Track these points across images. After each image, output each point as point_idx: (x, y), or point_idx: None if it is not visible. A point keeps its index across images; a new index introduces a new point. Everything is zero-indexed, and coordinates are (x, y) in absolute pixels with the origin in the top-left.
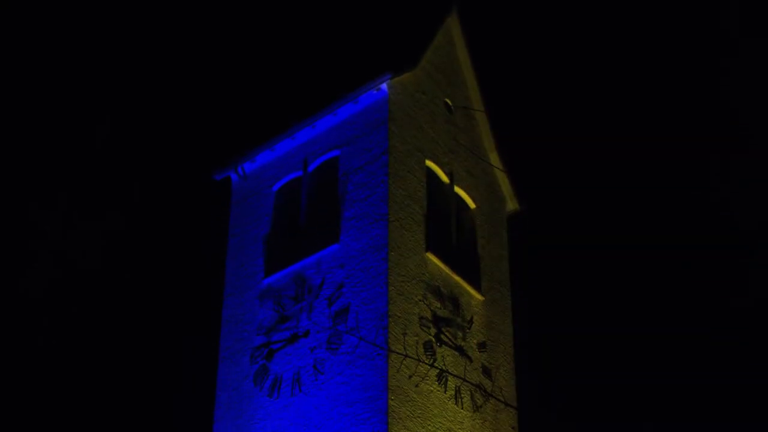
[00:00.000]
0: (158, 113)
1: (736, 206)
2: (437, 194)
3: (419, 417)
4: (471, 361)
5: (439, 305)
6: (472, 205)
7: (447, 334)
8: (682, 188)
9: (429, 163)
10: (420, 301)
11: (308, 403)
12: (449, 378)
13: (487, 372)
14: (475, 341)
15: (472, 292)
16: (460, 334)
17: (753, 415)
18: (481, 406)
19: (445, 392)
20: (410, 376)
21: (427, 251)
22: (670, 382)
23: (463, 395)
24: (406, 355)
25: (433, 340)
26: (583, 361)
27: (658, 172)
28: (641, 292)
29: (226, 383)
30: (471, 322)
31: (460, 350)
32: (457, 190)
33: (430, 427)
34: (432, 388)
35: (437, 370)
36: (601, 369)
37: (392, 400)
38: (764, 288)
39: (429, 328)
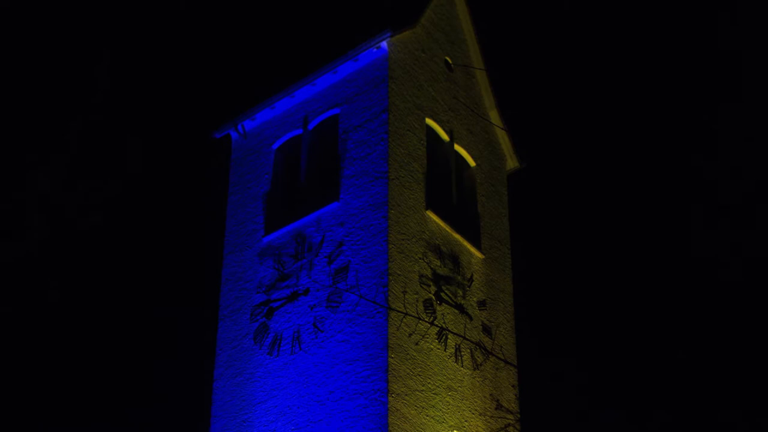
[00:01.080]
0: (158, 72)
1: (740, 157)
2: (437, 152)
3: (419, 375)
4: (471, 319)
5: (439, 263)
6: (472, 163)
7: (447, 292)
8: (683, 144)
9: (429, 121)
10: (420, 259)
11: (308, 361)
12: (449, 336)
13: (487, 330)
14: (475, 299)
15: (472, 250)
16: (460, 292)
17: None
18: (481, 364)
19: (445, 350)
20: (410, 334)
21: (427, 209)
22: (671, 339)
23: (463, 353)
24: (406, 313)
25: (433, 298)
26: (584, 319)
27: (660, 129)
28: (642, 248)
29: (226, 341)
30: (471, 280)
31: (460, 308)
32: (457, 148)
33: (430, 385)
34: (432, 346)
35: (437, 328)
36: (602, 327)
37: (392, 358)
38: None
39: (429, 286)
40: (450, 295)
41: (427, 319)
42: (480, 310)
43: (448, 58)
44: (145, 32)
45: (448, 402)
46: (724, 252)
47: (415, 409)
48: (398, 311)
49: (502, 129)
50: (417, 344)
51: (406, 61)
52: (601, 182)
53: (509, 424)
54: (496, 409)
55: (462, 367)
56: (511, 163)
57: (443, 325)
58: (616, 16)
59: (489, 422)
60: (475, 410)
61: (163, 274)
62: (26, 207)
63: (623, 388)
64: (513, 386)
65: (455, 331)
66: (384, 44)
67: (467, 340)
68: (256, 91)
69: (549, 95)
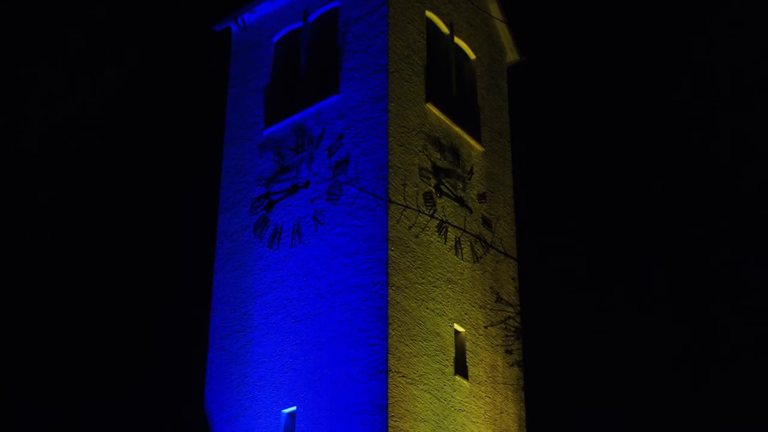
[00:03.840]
0: None
1: (742, 56)
2: (437, 45)
3: (419, 268)
4: (471, 212)
5: (439, 156)
6: (472, 56)
7: (447, 184)
8: (681, 33)
9: (429, 14)
10: (420, 151)
11: (308, 254)
12: (449, 229)
13: (487, 223)
14: (475, 192)
15: (472, 142)
16: (460, 184)
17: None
18: (481, 257)
19: (445, 243)
20: (410, 227)
21: (427, 102)
22: (671, 220)
23: (463, 246)
24: (406, 206)
25: (433, 190)
26: (584, 211)
27: (658, 20)
28: (642, 140)
29: (226, 234)
30: (471, 172)
31: (460, 201)
32: (457, 41)
33: (429, 278)
34: (432, 239)
35: (437, 221)
36: (602, 219)
37: (392, 250)
38: None
39: (429, 178)
40: (450, 188)
41: (427, 212)
42: (480, 202)
43: None
44: None
45: (448, 295)
46: (725, 134)
47: (415, 302)
48: (398, 204)
49: (502, 22)
50: (417, 237)
51: None
52: (601, 75)
53: (509, 317)
54: (495, 301)
55: (462, 259)
56: (511, 56)
57: (443, 218)
58: None
59: (489, 315)
60: (475, 303)
61: (162, 167)
62: (27, 100)
63: (623, 280)
64: (513, 279)
65: (455, 223)
66: None
67: (467, 232)
68: None
69: None
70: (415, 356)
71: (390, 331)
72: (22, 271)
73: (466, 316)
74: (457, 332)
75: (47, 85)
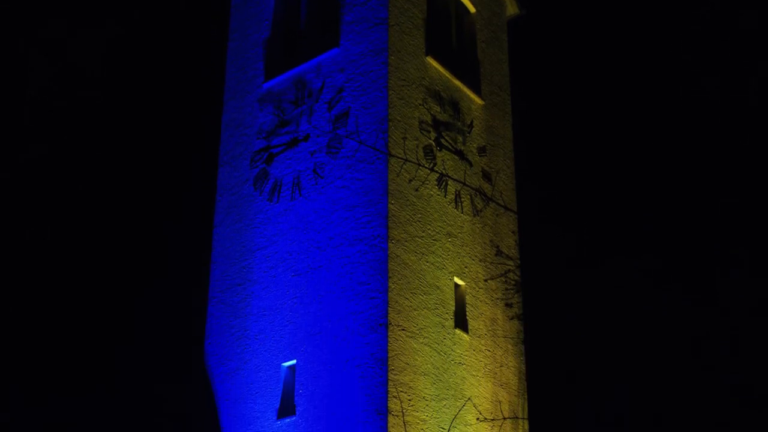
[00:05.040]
0: None
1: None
2: None
3: (419, 221)
4: (471, 165)
5: (439, 109)
6: (471, 9)
7: (447, 138)
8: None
9: None
10: (420, 105)
11: (308, 207)
12: (449, 182)
13: (487, 176)
14: (475, 145)
15: (472, 96)
16: (460, 138)
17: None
18: (481, 211)
19: (445, 196)
20: (410, 180)
21: (427, 55)
22: (671, 186)
23: (463, 199)
24: (406, 159)
25: (433, 144)
26: (584, 164)
27: None
28: (643, 96)
29: (226, 188)
30: (471, 126)
31: (460, 154)
32: None
33: (429, 231)
34: (432, 193)
35: (437, 175)
36: (603, 172)
37: (392, 204)
38: None
39: (429, 132)
40: (450, 141)
41: (427, 165)
42: (480, 156)
43: None
44: None
45: (447, 248)
46: (730, 95)
47: (415, 255)
48: (398, 157)
49: None
50: (417, 190)
51: None
52: (601, 27)
53: (509, 270)
54: (495, 255)
55: (462, 213)
56: (511, 9)
57: (443, 171)
58: None
59: (489, 268)
60: (475, 256)
61: (161, 120)
62: (27, 52)
63: (624, 233)
64: (513, 232)
65: (455, 177)
66: None
67: (467, 186)
68: None
69: None
70: (415, 310)
71: (390, 284)
72: (20, 223)
73: (466, 270)
74: (457, 286)
75: (47, 36)
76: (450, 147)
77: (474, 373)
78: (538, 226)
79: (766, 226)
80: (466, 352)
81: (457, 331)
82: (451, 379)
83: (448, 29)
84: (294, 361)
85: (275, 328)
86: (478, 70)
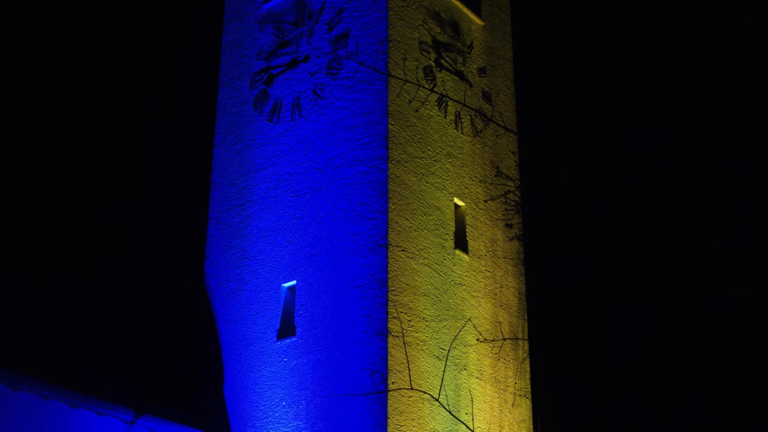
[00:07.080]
0: None
1: None
2: None
3: (419, 142)
4: (471, 85)
5: (439, 30)
6: None
7: (447, 59)
8: None
9: None
10: (420, 26)
11: (308, 128)
12: (449, 103)
13: (487, 97)
14: (475, 66)
15: (472, 17)
16: (460, 59)
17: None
18: (480, 131)
19: (445, 117)
20: (410, 101)
21: None
22: (672, 94)
23: (463, 120)
24: (406, 80)
25: (433, 65)
26: (584, 85)
27: None
28: (643, 15)
29: (226, 108)
30: (471, 47)
31: (460, 75)
32: None
33: (429, 152)
34: (432, 113)
35: (437, 95)
36: (602, 94)
37: (392, 124)
38: None
39: (429, 53)
40: (450, 62)
41: (427, 86)
42: (480, 77)
43: None
44: None
45: (448, 169)
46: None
47: (415, 176)
48: (398, 78)
49: None
50: (417, 111)
51: None
52: None
53: (509, 191)
54: (495, 175)
55: (462, 133)
56: None
57: (443, 92)
58: None
59: (489, 189)
60: (475, 177)
61: (162, 41)
62: None
63: (624, 154)
64: (513, 153)
65: (455, 97)
66: None
67: (467, 106)
68: None
69: None
70: (415, 230)
71: (390, 205)
72: (29, 111)
73: (466, 190)
74: (457, 206)
75: None
76: (450, 68)
77: (474, 293)
78: (538, 147)
79: None
80: (466, 273)
81: (457, 251)
82: (451, 300)
83: None
84: (294, 282)
85: (275, 249)
86: None
